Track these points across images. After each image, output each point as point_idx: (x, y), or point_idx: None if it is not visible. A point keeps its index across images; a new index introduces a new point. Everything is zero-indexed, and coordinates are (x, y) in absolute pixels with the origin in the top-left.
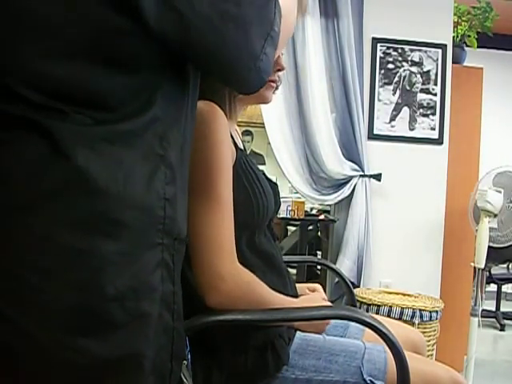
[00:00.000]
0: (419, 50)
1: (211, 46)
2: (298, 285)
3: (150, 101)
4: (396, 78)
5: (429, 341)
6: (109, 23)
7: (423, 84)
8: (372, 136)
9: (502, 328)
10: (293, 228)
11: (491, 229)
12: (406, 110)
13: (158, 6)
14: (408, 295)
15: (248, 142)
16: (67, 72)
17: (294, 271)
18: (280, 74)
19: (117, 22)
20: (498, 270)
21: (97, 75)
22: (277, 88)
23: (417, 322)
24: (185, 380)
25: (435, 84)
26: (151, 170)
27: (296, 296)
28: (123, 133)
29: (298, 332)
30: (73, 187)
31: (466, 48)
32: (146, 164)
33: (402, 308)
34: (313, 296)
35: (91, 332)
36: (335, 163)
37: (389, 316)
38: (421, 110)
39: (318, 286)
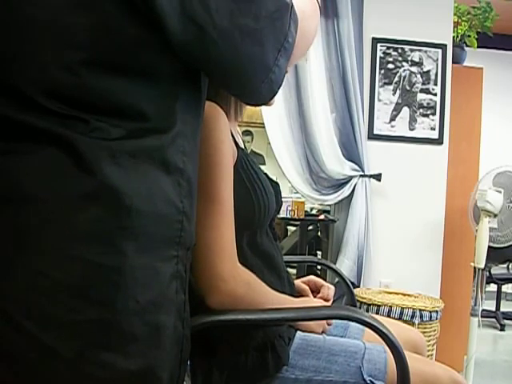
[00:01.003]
0: (419, 50)
1: (228, 60)
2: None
3: (173, 114)
4: (396, 78)
5: (429, 341)
6: (129, 34)
7: (423, 84)
8: (372, 136)
9: (502, 328)
10: (293, 228)
11: (491, 229)
12: (406, 110)
13: (180, 18)
14: (408, 295)
15: (248, 142)
16: (88, 81)
17: (293, 271)
18: None
19: (136, 33)
20: (498, 270)
21: (117, 84)
22: None
23: (417, 322)
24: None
25: (435, 84)
26: (172, 184)
27: (295, 297)
28: (150, 147)
29: (298, 332)
30: (98, 202)
31: (466, 48)
32: (168, 178)
33: (402, 308)
34: (311, 299)
35: (114, 346)
36: (335, 163)
37: (389, 316)
38: (421, 110)
39: (312, 278)
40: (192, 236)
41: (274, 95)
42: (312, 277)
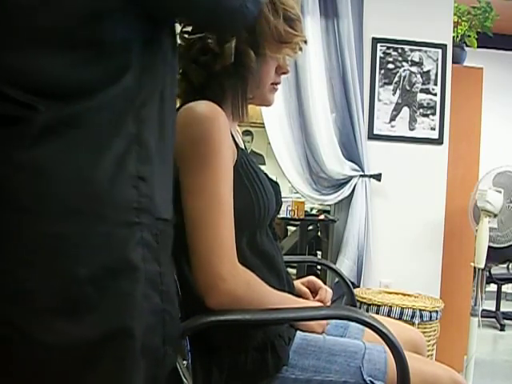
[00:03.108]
0: (419, 50)
1: None
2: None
3: (118, 75)
4: (396, 78)
5: (429, 341)
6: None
7: (423, 84)
8: (372, 136)
9: (502, 328)
10: (293, 228)
11: (491, 229)
12: (406, 110)
13: None
14: (408, 295)
15: (248, 142)
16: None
17: (293, 271)
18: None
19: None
20: (498, 270)
21: (59, 59)
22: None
23: (417, 322)
24: (185, 380)
25: (435, 84)
26: (123, 149)
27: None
28: (90, 110)
29: (298, 332)
30: (39, 177)
31: (466, 48)
32: (117, 142)
33: (402, 308)
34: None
35: (67, 313)
36: (335, 163)
37: (389, 316)
38: (421, 110)
39: (312, 279)
40: (160, 205)
41: (250, 20)
42: (311, 277)
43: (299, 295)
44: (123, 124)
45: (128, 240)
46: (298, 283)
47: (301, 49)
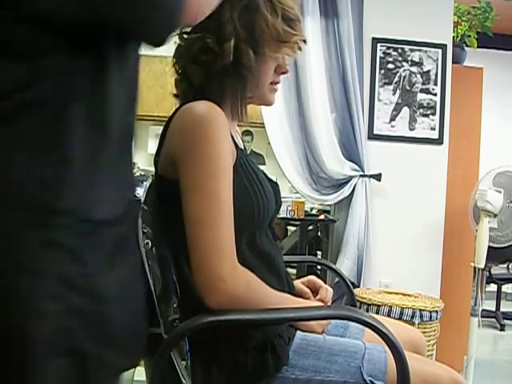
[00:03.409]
0: (419, 50)
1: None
2: (294, 281)
3: (38, 79)
4: (396, 78)
5: (429, 341)
6: None
7: (423, 84)
8: (372, 136)
9: (502, 328)
10: (293, 228)
11: (491, 229)
12: (406, 110)
13: None
14: (408, 295)
15: (248, 142)
16: None
17: (293, 271)
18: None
19: None
20: (498, 270)
21: None
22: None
23: (417, 322)
24: (183, 380)
25: (435, 84)
26: (37, 147)
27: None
28: (8, 110)
29: (297, 332)
30: None
31: (466, 48)
32: (31, 140)
33: (402, 308)
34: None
35: None
36: (335, 163)
37: (389, 316)
38: (421, 110)
39: (312, 278)
40: (93, 206)
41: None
42: (311, 277)
43: (299, 295)
44: (41, 125)
45: (30, 241)
46: (298, 283)
47: (300, 48)
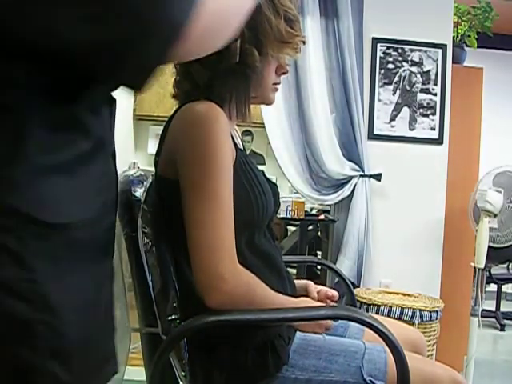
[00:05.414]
0: (419, 50)
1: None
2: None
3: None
4: (396, 78)
5: (429, 341)
6: None
7: (423, 84)
8: (372, 136)
9: (502, 328)
10: (293, 228)
11: (491, 229)
12: (406, 110)
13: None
14: (408, 295)
15: (248, 142)
16: None
17: (293, 271)
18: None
19: None
20: (498, 269)
21: None
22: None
23: (417, 321)
24: (180, 381)
25: (435, 84)
26: None
27: (296, 297)
28: None
29: (297, 332)
30: None
31: (466, 48)
32: None
33: (402, 308)
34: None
35: None
36: (335, 163)
37: (389, 316)
38: (421, 110)
39: (309, 283)
40: (45, 208)
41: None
42: (323, 288)
43: (301, 295)
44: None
45: None
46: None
47: (300, 49)
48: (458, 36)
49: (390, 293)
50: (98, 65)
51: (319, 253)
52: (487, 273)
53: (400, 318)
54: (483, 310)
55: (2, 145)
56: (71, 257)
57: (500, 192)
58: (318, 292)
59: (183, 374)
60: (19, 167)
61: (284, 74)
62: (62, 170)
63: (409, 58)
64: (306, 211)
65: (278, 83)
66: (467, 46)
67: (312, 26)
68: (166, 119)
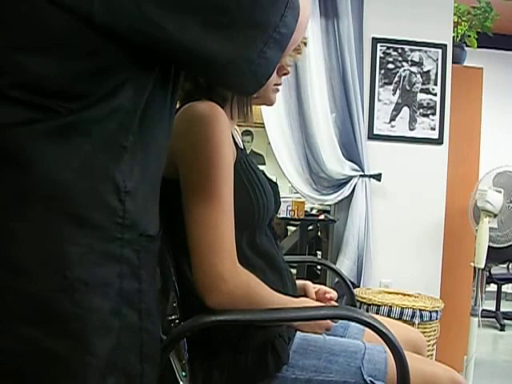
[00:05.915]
0: (419, 50)
1: (192, 54)
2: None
3: (116, 90)
4: (396, 78)
5: (429, 341)
6: (61, 19)
7: (423, 84)
8: (372, 136)
9: (502, 328)
10: (293, 228)
11: (491, 229)
12: (406, 110)
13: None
14: (408, 295)
15: (248, 142)
16: (29, 64)
17: (294, 271)
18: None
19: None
20: (498, 269)
21: (48, 64)
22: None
23: (417, 322)
24: (181, 382)
25: (435, 84)
26: (112, 161)
27: (296, 296)
28: (84, 121)
29: (298, 332)
30: (23, 170)
31: (466, 48)
32: (107, 154)
33: (402, 308)
34: (311, 300)
35: (34, 321)
36: (335, 163)
37: (389, 316)
38: (421, 110)
39: (307, 284)
40: (145, 221)
41: (260, 87)
42: (322, 287)
43: (302, 294)
44: (114, 136)
45: (106, 255)
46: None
47: (301, 50)
48: (457, 36)
49: (390, 293)
50: (232, 76)
51: (319, 253)
52: (487, 273)
53: (400, 318)
54: (483, 310)
55: (122, 159)
56: (150, 265)
57: (500, 192)
58: (316, 291)
59: (183, 374)
60: (136, 181)
61: (285, 74)
62: (152, 184)
63: (409, 58)
64: (306, 211)
65: (279, 84)
66: (467, 46)
67: (312, 26)
68: None
